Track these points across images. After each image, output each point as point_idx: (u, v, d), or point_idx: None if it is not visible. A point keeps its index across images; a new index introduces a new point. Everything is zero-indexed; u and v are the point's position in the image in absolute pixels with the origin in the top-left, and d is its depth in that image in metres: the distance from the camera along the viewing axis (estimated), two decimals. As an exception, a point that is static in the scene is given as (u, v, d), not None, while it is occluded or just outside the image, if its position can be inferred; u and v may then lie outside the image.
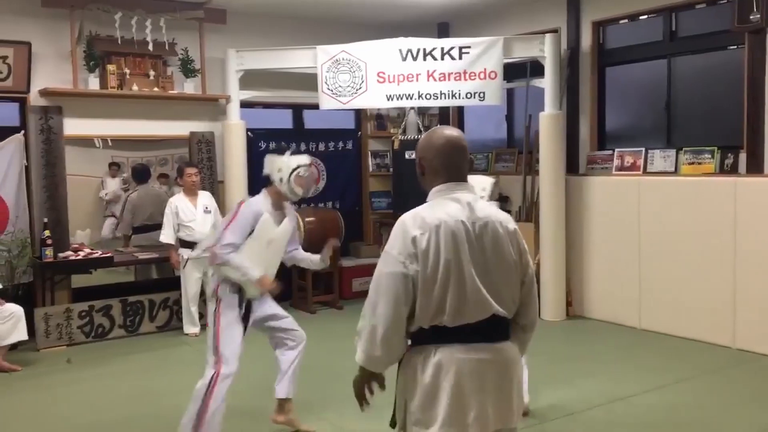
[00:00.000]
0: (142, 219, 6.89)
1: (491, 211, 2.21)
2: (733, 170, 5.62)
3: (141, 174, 6.98)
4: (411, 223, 2.13)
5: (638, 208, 6.17)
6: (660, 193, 6.02)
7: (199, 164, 6.70)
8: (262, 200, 3.81)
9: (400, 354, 2.18)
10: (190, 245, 6.20)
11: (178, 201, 6.26)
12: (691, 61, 6.24)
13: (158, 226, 6.31)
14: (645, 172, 6.21)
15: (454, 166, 2.22)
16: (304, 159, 3.90)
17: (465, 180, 2.24)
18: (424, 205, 2.21)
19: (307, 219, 7.04)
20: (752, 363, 5.19)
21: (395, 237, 2.14)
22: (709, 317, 5.65)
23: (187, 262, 6.21)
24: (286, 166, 3.82)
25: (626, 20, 6.58)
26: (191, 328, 6.31)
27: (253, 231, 3.70)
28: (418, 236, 2.09)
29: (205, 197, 6.38)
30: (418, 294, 2.09)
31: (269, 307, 3.97)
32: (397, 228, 2.15)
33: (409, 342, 2.18)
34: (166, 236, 6.22)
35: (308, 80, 6.76)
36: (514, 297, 2.20)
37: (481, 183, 3.93)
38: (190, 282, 6.25)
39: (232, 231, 3.67)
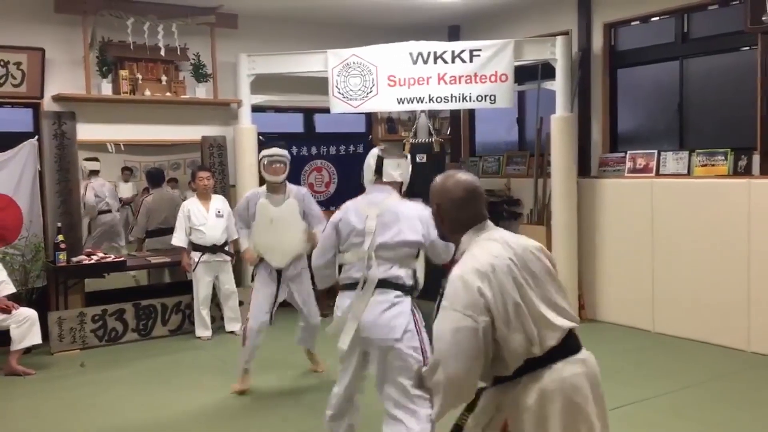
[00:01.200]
0: (156, 222, 6.92)
1: (517, 238, 2.28)
2: (746, 172, 5.58)
3: (155, 178, 7.02)
4: (469, 276, 2.11)
5: (651, 211, 6.14)
6: (673, 195, 5.98)
7: (211, 168, 6.72)
8: (261, 189, 4.86)
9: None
10: (202, 249, 6.22)
11: (191, 204, 6.28)
12: (704, 63, 6.20)
13: (172, 230, 6.33)
14: (658, 175, 6.17)
15: (474, 211, 2.28)
16: (271, 150, 4.78)
17: (486, 218, 2.31)
18: (466, 255, 2.21)
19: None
20: (767, 366, 5.14)
21: (456, 292, 2.11)
22: (723, 320, 5.60)
23: (197, 265, 6.22)
24: (260, 156, 4.84)
25: (638, 22, 6.55)
26: (203, 331, 6.32)
27: (255, 215, 4.73)
28: (482, 287, 2.09)
29: (218, 201, 6.39)
30: (501, 341, 2.10)
31: (299, 294, 4.90)
32: (457, 283, 2.12)
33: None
34: (178, 239, 6.24)
35: (319, 84, 6.78)
36: (571, 305, 2.27)
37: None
38: (202, 285, 6.27)
39: (236, 214, 5.04)
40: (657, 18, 6.38)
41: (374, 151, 3.36)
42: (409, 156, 3.48)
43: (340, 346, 3.10)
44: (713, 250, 5.66)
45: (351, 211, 3.24)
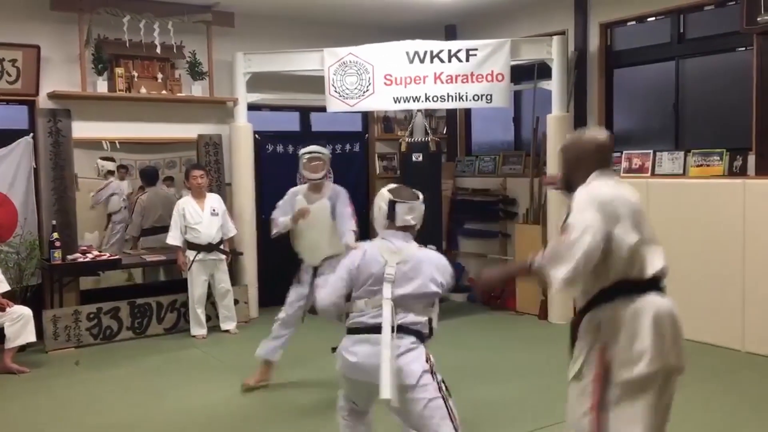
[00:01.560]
0: (151, 221, 6.91)
1: (630, 188, 2.69)
2: (741, 172, 5.60)
3: (150, 176, 7.00)
4: (597, 194, 2.52)
5: (646, 211, 6.11)
6: (668, 195, 5.99)
7: (206, 167, 6.71)
8: (302, 186, 4.87)
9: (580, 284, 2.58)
10: (197, 247, 6.21)
11: (185, 203, 6.27)
12: (700, 63, 6.22)
13: (167, 228, 6.32)
14: (653, 175, 6.19)
15: (604, 156, 2.71)
16: (310, 147, 4.80)
17: (610, 166, 2.74)
18: (592, 184, 2.58)
19: (314, 221, 7.04)
20: (762, 366, 5.15)
21: (586, 205, 2.49)
22: (717, 320, 5.61)
23: (192, 264, 6.21)
24: (300, 153, 4.83)
25: (634, 22, 6.57)
26: (198, 329, 6.31)
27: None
28: (609, 202, 2.49)
29: (213, 199, 6.38)
30: (615, 251, 2.48)
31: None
32: (585, 199, 2.52)
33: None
34: (173, 238, 6.23)
35: (315, 83, 6.77)
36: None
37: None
38: (197, 284, 6.26)
39: (279, 207, 4.90)
40: (653, 18, 6.40)
41: (384, 194, 3.17)
42: (421, 197, 3.23)
43: (391, 403, 2.87)
44: (708, 250, 5.67)
45: (369, 256, 3.08)
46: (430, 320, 3.06)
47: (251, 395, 4.77)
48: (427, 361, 2.96)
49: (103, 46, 6.34)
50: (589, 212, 2.47)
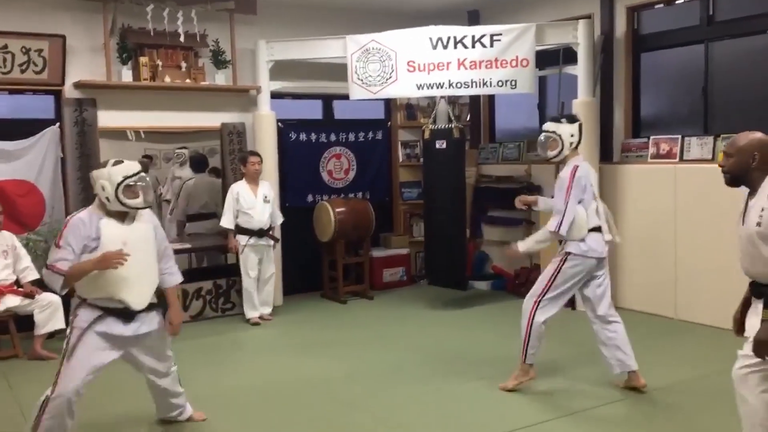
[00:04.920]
0: (197, 207, 7.06)
1: None
2: (773, 157, 5.48)
3: (199, 163, 7.20)
4: None
5: (674, 197, 6.06)
6: (697, 181, 5.89)
7: (230, 155, 6.74)
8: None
9: None
10: (249, 232, 6.30)
11: (240, 188, 6.35)
12: (729, 46, 6.09)
13: (211, 215, 6.43)
14: (681, 160, 6.09)
15: None
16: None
17: None
18: None
19: (338, 209, 7.05)
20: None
21: None
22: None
23: (245, 248, 6.31)
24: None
25: (661, 5, 6.45)
26: (252, 312, 6.38)
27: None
28: None
29: (265, 187, 6.44)
30: None
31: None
32: None
33: None
34: (227, 221, 6.33)
35: (338, 70, 6.75)
36: None
37: None
38: (250, 267, 6.35)
39: None
40: (681, 0, 6.27)
41: None
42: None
43: None
44: (737, 237, 5.56)
45: None
46: None
47: (274, 377, 4.79)
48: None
49: (127, 35, 6.37)
50: None
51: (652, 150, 6.33)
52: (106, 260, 3.33)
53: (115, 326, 3.47)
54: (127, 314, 3.49)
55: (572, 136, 4.35)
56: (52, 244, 3.37)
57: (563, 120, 4.40)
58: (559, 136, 4.33)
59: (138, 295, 3.51)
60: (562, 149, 4.35)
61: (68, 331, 3.49)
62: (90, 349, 3.43)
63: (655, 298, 6.27)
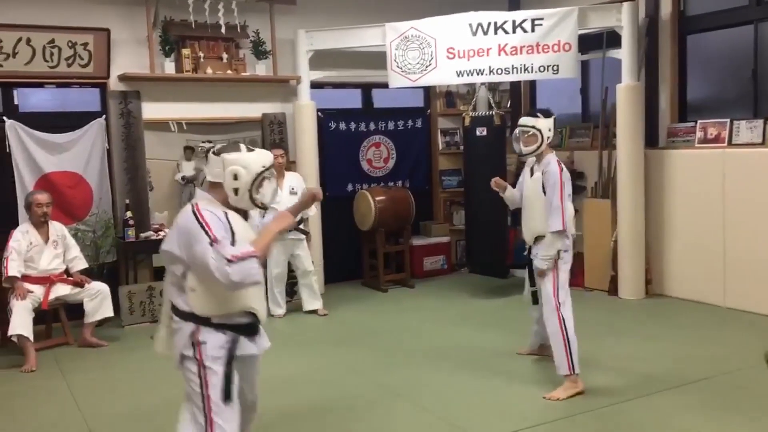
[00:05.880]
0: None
1: None
2: (827, 140, 5.31)
3: None
4: None
5: (723, 182, 5.91)
6: (746, 165, 5.74)
7: (271, 145, 6.78)
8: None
9: None
10: None
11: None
12: (781, 26, 5.90)
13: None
14: (730, 144, 5.93)
15: None
16: (521, 120, 4.35)
17: None
18: None
19: (377, 198, 7.05)
20: None
21: None
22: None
23: None
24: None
25: (709, -15, 6.27)
26: (276, 309, 6.31)
27: None
28: None
29: (292, 178, 6.30)
30: None
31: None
32: None
33: None
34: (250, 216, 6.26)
35: (377, 59, 6.73)
36: None
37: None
38: (274, 264, 6.23)
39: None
40: (730, -20, 6.09)
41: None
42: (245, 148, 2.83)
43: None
44: (790, 223, 5.42)
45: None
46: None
47: (317, 365, 4.83)
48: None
49: (169, 28, 6.45)
50: None
51: (699, 134, 6.17)
52: (284, 218, 2.88)
53: (247, 347, 2.75)
54: (254, 329, 2.80)
55: (549, 130, 4.23)
56: (204, 246, 2.52)
57: (539, 114, 4.27)
58: (539, 130, 4.20)
59: (263, 303, 2.85)
60: (540, 144, 4.22)
61: (194, 368, 2.68)
62: (236, 383, 2.72)
63: (702, 286, 6.13)
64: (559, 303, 4.19)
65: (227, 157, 2.72)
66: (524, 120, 4.31)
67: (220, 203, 2.72)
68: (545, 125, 4.23)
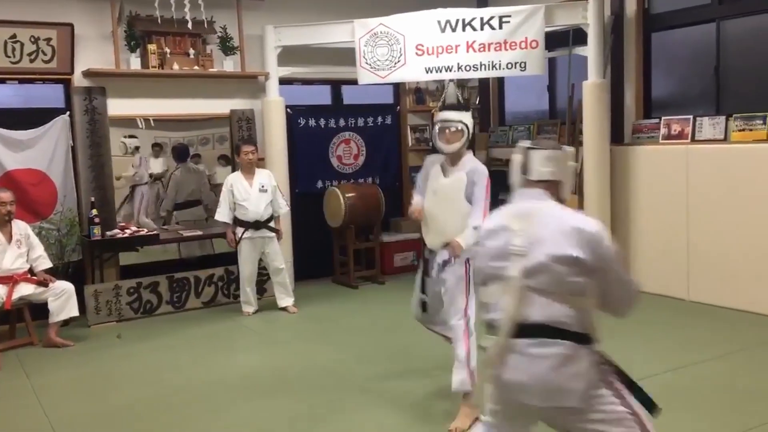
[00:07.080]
0: (185, 195, 7.01)
1: None
2: (786, 136, 5.43)
3: (181, 153, 7.06)
4: None
5: (686, 178, 6.01)
6: (709, 161, 5.85)
7: (255, 142, 6.73)
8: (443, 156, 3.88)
9: None
10: (245, 224, 6.12)
11: (234, 179, 6.17)
12: (742, 24, 6.01)
13: (198, 202, 6.37)
14: (693, 140, 6.04)
15: None
16: (444, 114, 3.86)
17: None
18: None
19: (347, 195, 7.05)
20: None
21: None
22: (760, 288, 5.50)
23: (241, 241, 6.15)
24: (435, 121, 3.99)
25: (672, -17, 6.37)
26: (248, 307, 6.28)
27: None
28: None
29: (262, 176, 6.22)
30: None
31: (443, 273, 3.86)
32: None
33: None
34: (221, 215, 6.14)
35: (346, 55, 6.72)
36: None
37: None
38: (246, 262, 6.19)
39: (419, 177, 4.05)
40: (692, -21, 6.19)
41: (521, 145, 2.54)
42: (567, 149, 2.51)
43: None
44: (750, 217, 5.54)
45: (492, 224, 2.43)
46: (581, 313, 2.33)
47: (288, 362, 4.82)
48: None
49: (135, 23, 6.37)
50: None
51: (663, 131, 6.28)
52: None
53: None
54: None
55: (471, 125, 3.84)
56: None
57: (463, 108, 3.85)
58: (466, 125, 3.76)
59: None
60: (466, 140, 3.78)
61: (607, 393, 2.44)
62: None
63: (667, 280, 6.24)
64: (468, 316, 3.77)
65: (570, 150, 2.52)
66: (450, 114, 3.79)
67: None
68: (469, 120, 3.82)
